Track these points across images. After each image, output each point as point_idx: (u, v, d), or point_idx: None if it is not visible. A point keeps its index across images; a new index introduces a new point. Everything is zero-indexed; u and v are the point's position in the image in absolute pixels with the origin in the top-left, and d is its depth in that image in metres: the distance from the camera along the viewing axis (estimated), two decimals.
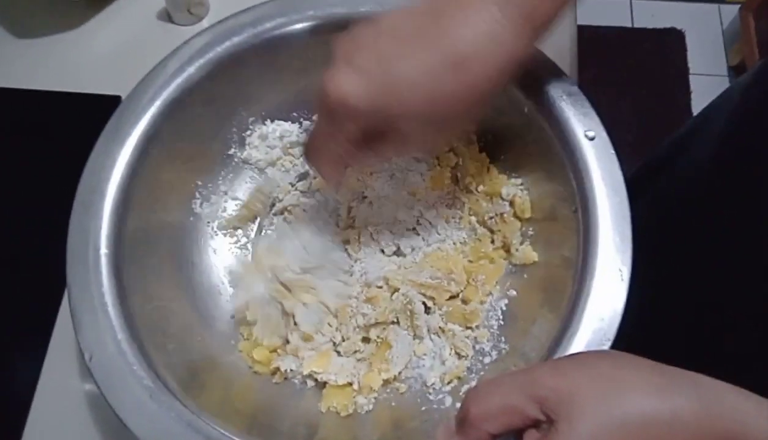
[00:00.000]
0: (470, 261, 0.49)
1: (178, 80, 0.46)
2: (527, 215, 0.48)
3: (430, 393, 0.45)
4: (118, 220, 0.42)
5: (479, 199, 0.49)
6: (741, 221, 0.48)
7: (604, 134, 0.43)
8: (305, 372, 0.45)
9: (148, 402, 0.37)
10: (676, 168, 0.62)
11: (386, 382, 0.45)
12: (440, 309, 0.47)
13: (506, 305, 0.47)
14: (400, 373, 0.46)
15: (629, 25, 1.72)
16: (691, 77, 1.64)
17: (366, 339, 0.47)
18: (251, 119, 0.52)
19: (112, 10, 0.64)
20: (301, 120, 0.54)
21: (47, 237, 0.43)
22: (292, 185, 0.53)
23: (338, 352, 0.47)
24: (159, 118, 0.45)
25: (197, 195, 0.50)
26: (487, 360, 0.45)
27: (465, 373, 0.45)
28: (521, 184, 0.48)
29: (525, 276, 0.47)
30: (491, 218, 0.49)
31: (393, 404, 0.45)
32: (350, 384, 0.45)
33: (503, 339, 0.46)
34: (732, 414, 0.28)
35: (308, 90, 0.52)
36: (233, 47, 0.47)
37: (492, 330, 0.46)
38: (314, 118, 0.40)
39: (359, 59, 0.37)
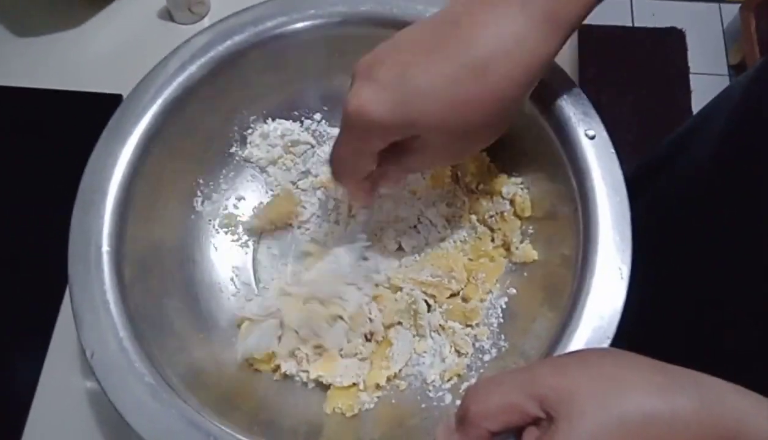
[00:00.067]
0: (470, 260, 0.49)
1: (180, 79, 0.46)
2: (527, 214, 0.48)
3: (429, 391, 0.45)
4: (120, 218, 0.42)
5: (479, 198, 0.50)
6: (741, 220, 0.48)
7: (604, 133, 0.43)
8: (311, 377, 0.45)
9: (150, 399, 0.37)
10: (676, 167, 0.63)
11: (387, 379, 0.45)
12: (440, 307, 0.47)
13: (506, 303, 0.47)
14: (400, 371, 0.46)
15: (630, 24, 1.72)
16: (691, 76, 1.65)
17: (367, 339, 0.47)
18: (252, 118, 0.52)
19: (112, 8, 0.64)
20: (303, 119, 0.54)
21: (48, 236, 0.43)
22: (293, 183, 0.53)
23: (341, 355, 0.47)
24: (160, 117, 0.45)
25: (198, 193, 0.50)
26: (486, 357, 0.45)
27: (465, 371, 0.45)
28: (521, 183, 0.48)
29: (525, 274, 0.47)
30: (491, 216, 0.49)
31: (393, 401, 0.45)
32: (355, 384, 0.45)
33: (503, 337, 0.46)
34: (733, 413, 0.28)
35: (309, 89, 0.53)
36: (234, 46, 0.47)
37: (492, 328, 0.47)
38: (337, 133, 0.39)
39: (379, 73, 0.36)
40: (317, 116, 0.54)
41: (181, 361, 0.42)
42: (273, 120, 0.53)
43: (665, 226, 0.58)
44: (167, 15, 0.62)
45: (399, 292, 0.47)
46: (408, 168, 0.42)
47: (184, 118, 0.47)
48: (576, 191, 0.42)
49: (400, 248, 0.49)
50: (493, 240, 0.49)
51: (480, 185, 0.50)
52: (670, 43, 1.69)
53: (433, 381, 0.45)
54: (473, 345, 0.46)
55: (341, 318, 0.46)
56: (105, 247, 0.41)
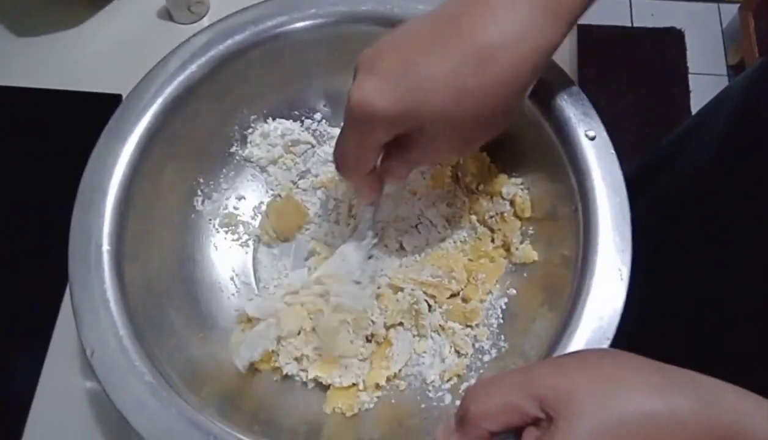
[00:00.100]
0: (470, 260, 0.49)
1: (180, 78, 0.46)
2: (527, 214, 0.48)
3: (429, 391, 0.45)
4: (120, 217, 0.42)
5: (480, 198, 0.50)
6: (740, 220, 0.48)
7: (604, 134, 0.43)
8: (310, 377, 0.45)
9: (150, 398, 0.37)
10: (675, 167, 0.63)
11: (387, 380, 0.45)
12: (440, 308, 0.47)
13: (506, 303, 0.47)
14: (400, 371, 0.46)
15: (629, 24, 1.72)
16: (690, 77, 1.65)
17: (367, 339, 0.47)
18: (253, 117, 0.52)
19: (112, 8, 0.64)
20: (303, 118, 0.54)
21: (48, 235, 0.43)
22: (294, 183, 0.53)
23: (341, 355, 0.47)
24: (160, 117, 0.45)
25: (199, 192, 0.50)
26: (486, 358, 0.45)
27: (464, 371, 0.45)
28: (521, 184, 0.48)
29: (525, 275, 0.47)
30: (491, 217, 0.49)
31: (393, 401, 0.45)
32: (355, 384, 0.45)
33: (503, 337, 0.46)
34: (731, 413, 0.28)
35: (310, 88, 0.53)
36: (234, 45, 0.48)
37: (492, 329, 0.47)
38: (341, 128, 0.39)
39: (382, 66, 0.36)
40: (317, 116, 0.54)
41: (181, 360, 0.42)
42: (273, 119, 0.53)
43: (665, 226, 0.58)
44: (167, 15, 0.62)
45: (400, 293, 0.47)
46: (411, 162, 0.42)
47: (185, 118, 0.47)
48: (576, 192, 0.42)
49: (401, 248, 0.49)
50: (493, 240, 0.49)
51: (480, 185, 0.50)
52: (669, 43, 1.69)
53: (432, 381, 0.45)
54: (473, 345, 0.46)
55: (347, 322, 0.45)
56: (105, 246, 0.41)
